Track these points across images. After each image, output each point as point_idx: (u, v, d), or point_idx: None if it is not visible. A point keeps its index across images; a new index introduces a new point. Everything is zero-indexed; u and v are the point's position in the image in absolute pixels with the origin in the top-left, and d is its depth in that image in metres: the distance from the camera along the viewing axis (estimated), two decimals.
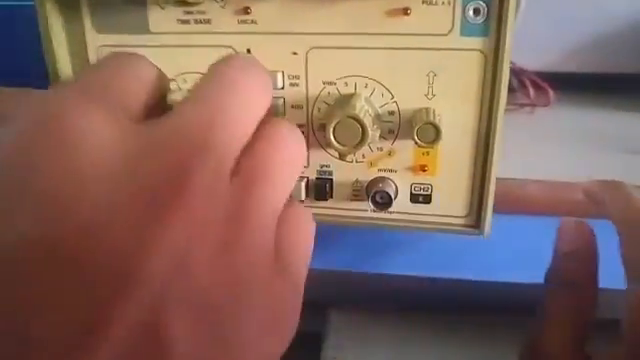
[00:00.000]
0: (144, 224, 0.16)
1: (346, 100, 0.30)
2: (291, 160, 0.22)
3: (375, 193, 0.32)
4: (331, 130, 0.29)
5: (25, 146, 0.17)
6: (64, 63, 0.33)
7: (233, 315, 0.18)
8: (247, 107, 0.20)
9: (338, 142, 0.29)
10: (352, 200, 0.34)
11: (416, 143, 0.30)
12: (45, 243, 0.15)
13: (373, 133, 0.29)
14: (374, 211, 0.34)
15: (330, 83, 0.31)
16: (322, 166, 0.33)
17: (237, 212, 0.19)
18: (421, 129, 0.29)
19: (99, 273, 0.15)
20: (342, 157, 0.30)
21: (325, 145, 0.32)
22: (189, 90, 0.22)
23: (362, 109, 0.29)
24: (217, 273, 0.17)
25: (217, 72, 0.21)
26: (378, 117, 0.31)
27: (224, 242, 0.18)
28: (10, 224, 0.15)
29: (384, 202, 0.32)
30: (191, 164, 0.17)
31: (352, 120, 0.29)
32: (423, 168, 0.32)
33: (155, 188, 0.17)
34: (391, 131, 0.31)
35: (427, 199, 0.33)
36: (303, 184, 0.33)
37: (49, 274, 0.15)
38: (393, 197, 0.32)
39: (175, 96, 0.31)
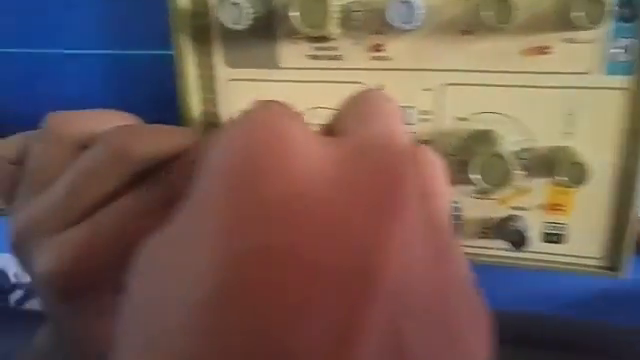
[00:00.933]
0: (374, 224, 0.15)
1: (485, 137, 0.29)
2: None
3: (508, 232, 0.31)
4: (476, 168, 0.28)
5: (248, 154, 0.17)
6: (194, 96, 0.33)
7: (451, 315, 0.17)
8: (403, 129, 0.20)
9: (484, 180, 0.28)
10: (480, 238, 0.33)
11: (558, 182, 0.29)
12: (285, 250, 0.15)
13: (516, 172, 0.28)
14: (504, 249, 0.33)
15: (463, 119, 0.31)
16: (450, 203, 0.33)
17: (434, 219, 0.18)
18: (566, 168, 0.28)
19: (344, 274, 0.14)
20: (482, 195, 0.29)
21: (458, 182, 0.32)
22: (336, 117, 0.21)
23: (506, 147, 0.28)
24: (433, 274, 0.17)
25: (362, 99, 0.21)
26: (515, 154, 0.30)
27: (435, 246, 0.18)
28: (248, 232, 0.15)
29: (518, 241, 0.31)
30: (402, 171, 0.17)
31: (498, 158, 0.28)
32: (558, 207, 0.31)
33: (374, 192, 0.16)
34: (525, 168, 0.30)
35: (561, 239, 0.31)
36: None
37: (296, 282, 0.14)
38: (527, 236, 0.31)
39: None
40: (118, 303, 0.28)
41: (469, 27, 0.28)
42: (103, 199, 0.28)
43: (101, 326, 0.28)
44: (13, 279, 1.24)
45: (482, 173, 0.28)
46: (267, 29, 0.31)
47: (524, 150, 0.30)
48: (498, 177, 0.28)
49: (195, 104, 0.33)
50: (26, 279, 1.23)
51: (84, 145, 0.30)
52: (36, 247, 0.28)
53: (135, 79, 0.36)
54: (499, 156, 0.28)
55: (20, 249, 0.30)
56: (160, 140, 0.30)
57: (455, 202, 0.32)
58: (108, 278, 0.28)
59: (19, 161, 0.32)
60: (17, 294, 1.23)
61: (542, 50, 0.28)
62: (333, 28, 0.27)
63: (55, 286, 0.27)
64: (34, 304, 1.23)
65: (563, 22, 0.27)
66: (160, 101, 0.35)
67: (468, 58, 0.29)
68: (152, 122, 0.32)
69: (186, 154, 0.30)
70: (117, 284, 0.28)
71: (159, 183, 0.29)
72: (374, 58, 0.30)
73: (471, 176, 0.28)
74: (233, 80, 0.33)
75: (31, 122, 0.32)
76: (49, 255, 0.27)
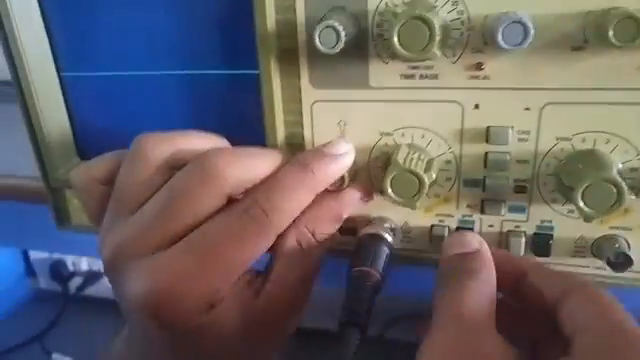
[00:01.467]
0: None
1: (589, 157, 0.28)
2: None
3: (609, 254, 0.30)
4: (580, 194, 0.27)
5: None
6: (278, 117, 0.32)
7: None
8: None
9: (588, 206, 0.27)
10: (573, 256, 0.32)
11: None
12: None
13: (629, 197, 0.27)
14: (597, 268, 0.32)
15: (565, 139, 0.29)
16: (543, 221, 0.32)
17: None
18: None
19: None
20: (587, 220, 0.28)
21: (550, 202, 0.31)
22: None
23: (613, 169, 0.27)
24: None
25: None
26: (620, 174, 0.29)
27: None
28: None
29: (621, 262, 0.30)
30: None
31: (608, 184, 0.27)
32: None
33: None
34: (632, 188, 0.29)
35: None
36: (523, 240, 0.32)
37: None
38: (632, 257, 0.29)
39: (391, 150, 0.30)
40: (207, 323, 0.28)
41: (580, 43, 0.27)
42: (196, 221, 0.28)
43: (189, 345, 0.29)
44: (72, 267, 1.28)
45: (585, 198, 0.27)
46: (357, 49, 0.30)
47: (633, 170, 0.29)
48: (608, 203, 0.27)
49: (280, 125, 0.33)
50: (84, 267, 1.27)
51: (173, 166, 0.30)
52: (128, 269, 0.28)
53: (216, 99, 0.36)
54: (611, 181, 0.26)
55: (112, 270, 0.30)
56: (254, 164, 0.29)
57: (548, 221, 0.31)
58: (200, 298, 0.28)
59: (108, 181, 0.32)
60: (76, 281, 1.27)
61: None
62: (434, 50, 0.26)
63: (148, 307, 0.27)
64: (92, 291, 1.27)
65: None
66: (243, 121, 0.35)
67: (575, 75, 0.28)
68: (235, 142, 0.32)
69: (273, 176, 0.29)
70: (207, 304, 0.28)
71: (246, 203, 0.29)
72: (472, 77, 0.29)
73: (578, 205, 0.27)
74: (319, 101, 0.32)
75: (118, 141, 0.32)
76: (143, 277, 0.28)
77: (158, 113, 0.37)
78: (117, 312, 0.31)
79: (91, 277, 1.22)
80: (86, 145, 0.40)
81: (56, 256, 1.21)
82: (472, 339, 0.24)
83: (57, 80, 0.38)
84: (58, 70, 0.38)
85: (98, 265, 1.21)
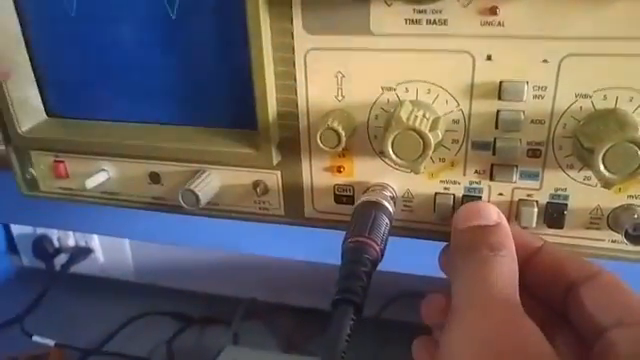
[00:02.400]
0: None
1: (614, 118, 0.25)
2: None
3: (627, 225, 0.27)
4: (601, 156, 0.24)
5: None
6: (267, 69, 0.29)
7: None
8: None
9: (608, 170, 0.24)
10: (587, 229, 0.29)
11: None
12: None
13: None
14: (612, 242, 0.29)
15: (585, 96, 0.26)
16: (557, 189, 0.29)
17: None
18: None
19: None
20: (607, 187, 0.25)
21: (565, 167, 0.28)
22: None
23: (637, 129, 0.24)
24: None
25: None
26: None
27: None
28: None
29: (638, 235, 0.27)
30: None
31: (632, 145, 0.24)
32: None
33: None
34: None
35: None
36: (535, 210, 0.29)
37: None
38: None
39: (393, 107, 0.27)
40: None
41: None
42: None
43: None
44: (57, 243, 1.25)
45: (606, 162, 0.24)
46: None
47: None
48: (631, 167, 0.24)
49: (270, 77, 0.30)
50: (70, 242, 1.23)
51: None
52: None
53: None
54: (635, 142, 0.23)
55: None
56: None
57: (562, 189, 0.29)
58: None
59: None
60: (62, 258, 1.24)
61: None
62: None
63: None
64: (78, 268, 1.24)
65: None
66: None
67: (602, 22, 0.25)
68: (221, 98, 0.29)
69: None
70: None
71: None
72: (485, 23, 0.26)
73: (598, 169, 0.24)
74: (314, 49, 0.29)
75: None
76: None
77: (136, 72, 0.33)
78: (104, 291, 0.29)
79: (78, 253, 1.19)
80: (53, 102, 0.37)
81: (40, 231, 1.17)
82: (509, 319, 0.22)
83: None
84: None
85: (85, 239, 1.18)
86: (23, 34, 0.34)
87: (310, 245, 0.44)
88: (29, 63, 0.35)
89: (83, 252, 1.21)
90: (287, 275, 1.02)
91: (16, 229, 1.19)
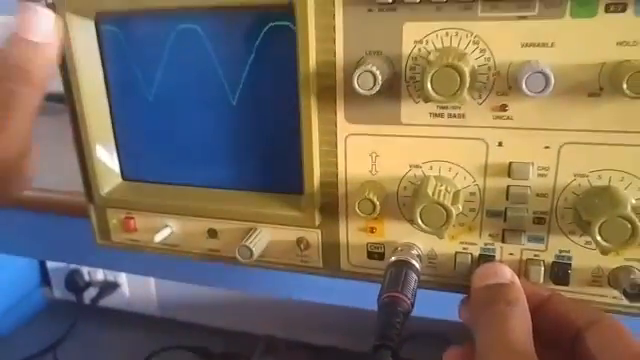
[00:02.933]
0: None
1: (604, 192, 0.30)
2: None
3: (625, 284, 0.32)
4: (597, 229, 0.29)
5: None
6: (314, 149, 0.35)
7: None
8: None
9: (604, 240, 0.29)
10: (590, 285, 0.34)
11: None
12: None
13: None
14: (614, 298, 0.34)
15: (582, 175, 0.32)
16: (561, 251, 0.34)
17: None
18: None
19: None
20: (604, 254, 0.30)
21: (568, 233, 0.33)
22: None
23: (627, 204, 0.29)
24: None
25: None
26: (634, 210, 0.31)
27: None
28: None
29: (636, 293, 0.32)
30: None
31: (623, 220, 0.29)
32: None
33: None
34: None
35: None
36: (542, 269, 0.34)
37: None
38: None
39: (419, 181, 0.33)
40: None
41: (596, 90, 0.29)
42: None
43: None
44: (87, 277, 1.30)
45: (606, 235, 0.29)
46: (391, 89, 0.32)
47: None
48: (623, 238, 0.29)
49: (316, 155, 0.35)
50: (99, 277, 1.28)
51: None
52: None
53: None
54: (626, 218, 0.29)
55: None
56: None
57: (566, 251, 0.34)
58: None
59: None
60: (91, 292, 1.29)
61: None
62: (464, 95, 0.29)
63: None
64: (107, 302, 1.29)
65: None
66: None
67: (591, 119, 0.30)
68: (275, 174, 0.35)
69: None
70: None
71: None
72: (497, 117, 0.32)
73: (595, 239, 0.29)
74: (353, 135, 0.35)
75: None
76: None
77: (200, 146, 0.40)
78: (129, 324, 0.34)
79: (106, 287, 1.25)
80: (129, 169, 0.43)
81: (73, 266, 1.23)
82: None
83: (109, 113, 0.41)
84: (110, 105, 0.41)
85: (114, 275, 1.23)
86: (110, 113, 0.41)
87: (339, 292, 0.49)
88: (113, 137, 0.41)
89: (111, 286, 1.26)
90: (304, 314, 1.06)
91: (51, 263, 1.25)
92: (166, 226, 0.42)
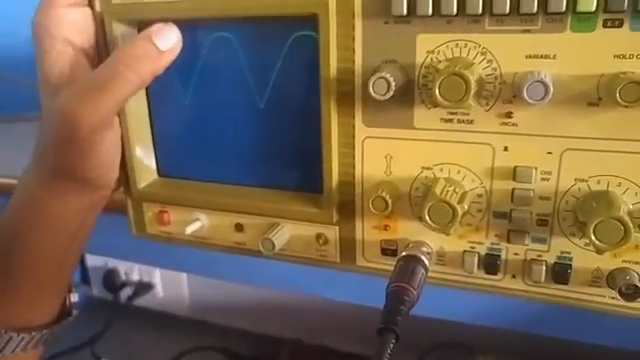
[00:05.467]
0: None
1: (603, 197, 0.32)
2: None
3: (621, 284, 0.34)
4: (592, 229, 0.31)
5: None
6: (334, 150, 0.38)
7: None
8: None
9: (599, 240, 0.31)
10: (590, 286, 0.36)
11: None
12: None
13: (636, 235, 0.31)
14: (612, 298, 0.35)
15: (582, 180, 0.34)
16: (562, 252, 0.36)
17: None
18: None
19: None
20: (599, 253, 0.32)
21: (569, 235, 0.35)
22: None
23: (624, 208, 0.31)
24: None
25: None
26: (630, 214, 0.33)
27: None
28: None
29: (631, 293, 0.33)
30: None
31: (616, 222, 0.31)
32: None
33: None
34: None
35: None
36: (544, 268, 0.36)
37: None
38: None
39: (430, 182, 0.35)
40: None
41: (595, 100, 0.31)
42: None
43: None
44: (123, 277, 1.36)
45: (596, 233, 0.31)
46: (405, 95, 0.35)
47: None
48: (616, 239, 0.31)
49: (335, 156, 0.38)
50: (135, 277, 1.34)
51: None
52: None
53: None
54: (619, 220, 0.30)
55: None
56: None
57: (567, 252, 0.35)
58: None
59: None
60: (127, 291, 1.35)
61: None
62: (469, 101, 0.31)
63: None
64: (141, 302, 1.34)
65: None
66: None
67: (591, 127, 0.32)
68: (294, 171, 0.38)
69: None
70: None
71: None
72: (503, 123, 0.34)
73: (590, 238, 0.31)
74: (369, 138, 0.37)
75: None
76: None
77: (230, 146, 0.43)
78: (161, 324, 0.37)
79: (141, 287, 1.30)
80: (164, 166, 0.47)
81: (111, 265, 1.29)
82: None
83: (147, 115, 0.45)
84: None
85: (149, 276, 1.28)
86: (149, 114, 0.45)
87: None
88: (151, 136, 0.45)
89: (145, 287, 1.31)
90: (332, 320, 1.08)
91: (90, 262, 1.31)
92: (197, 220, 0.45)
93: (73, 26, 0.39)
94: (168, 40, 0.38)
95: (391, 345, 0.31)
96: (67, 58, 0.39)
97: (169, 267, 0.74)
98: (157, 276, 1.30)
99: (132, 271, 1.32)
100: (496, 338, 0.84)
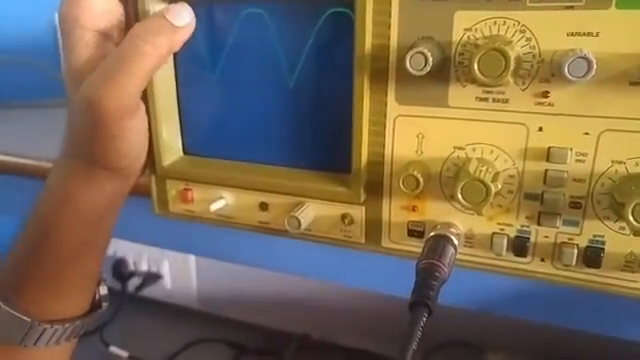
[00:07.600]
0: None
1: None
2: None
3: None
4: (630, 209, 0.31)
5: None
6: (364, 129, 0.38)
7: None
8: None
9: (637, 221, 0.31)
10: (622, 270, 0.35)
11: None
12: None
13: None
14: None
15: (619, 162, 0.33)
16: (595, 236, 0.35)
17: None
18: None
19: None
20: (637, 235, 0.32)
21: (603, 218, 0.34)
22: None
23: None
24: None
25: None
26: None
27: None
28: None
29: None
30: None
31: None
32: None
33: None
34: None
35: None
36: (575, 251, 0.35)
37: None
38: None
39: (462, 162, 0.35)
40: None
41: (637, 79, 0.31)
42: None
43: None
44: (132, 267, 1.36)
45: (637, 215, 0.31)
46: (440, 73, 0.35)
47: None
48: None
49: (365, 135, 0.38)
50: (143, 267, 1.34)
51: None
52: None
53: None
54: None
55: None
56: None
57: (600, 235, 0.35)
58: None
59: None
60: (135, 281, 1.35)
61: None
62: (507, 78, 0.31)
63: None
64: (148, 292, 1.34)
65: None
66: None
67: (632, 107, 0.32)
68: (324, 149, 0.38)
69: None
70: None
71: None
72: (538, 103, 0.34)
73: (628, 219, 0.31)
74: (401, 116, 0.37)
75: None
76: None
77: (258, 124, 0.43)
78: (168, 315, 0.37)
79: (149, 278, 1.30)
80: (190, 143, 0.47)
81: (119, 255, 1.29)
82: None
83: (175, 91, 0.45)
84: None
85: (157, 266, 1.28)
86: (176, 91, 0.45)
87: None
88: (177, 113, 0.45)
89: (153, 277, 1.31)
90: (341, 316, 1.08)
91: None
92: (221, 198, 0.45)
93: (104, 15, 0.39)
94: (181, 19, 0.38)
95: (424, 319, 0.30)
96: (96, 47, 0.39)
97: (178, 249, 0.73)
98: (166, 267, 1.30)
99: (141, 261, 1.32)
100: (505, 336, 0.83)
